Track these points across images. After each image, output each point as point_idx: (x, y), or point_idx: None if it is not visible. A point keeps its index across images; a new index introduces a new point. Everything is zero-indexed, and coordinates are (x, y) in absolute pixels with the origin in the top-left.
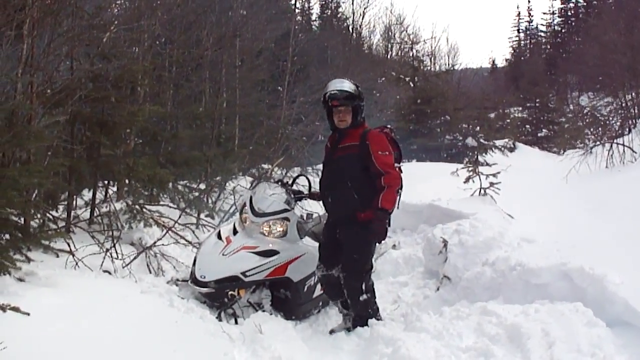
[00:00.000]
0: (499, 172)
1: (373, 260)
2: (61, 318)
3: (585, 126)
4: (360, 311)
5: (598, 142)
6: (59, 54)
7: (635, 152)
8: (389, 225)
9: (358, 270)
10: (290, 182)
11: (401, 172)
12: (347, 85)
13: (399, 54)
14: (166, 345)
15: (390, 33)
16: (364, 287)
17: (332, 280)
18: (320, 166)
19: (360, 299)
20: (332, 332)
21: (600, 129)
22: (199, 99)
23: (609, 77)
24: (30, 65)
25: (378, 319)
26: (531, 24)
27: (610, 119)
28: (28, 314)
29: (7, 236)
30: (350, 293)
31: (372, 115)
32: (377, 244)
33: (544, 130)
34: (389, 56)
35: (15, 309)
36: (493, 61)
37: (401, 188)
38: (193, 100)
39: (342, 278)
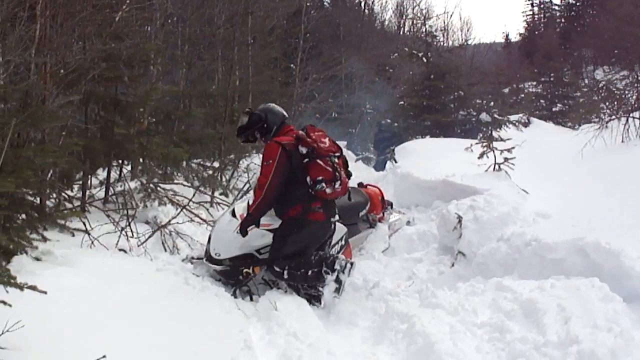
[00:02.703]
0: (513, 148)
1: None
2: (78, 296)
3: (600, 100)
4: (301, 283)
5: (613, 116)
6: (72, 34)
7: None
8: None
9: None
10: None
11: (336, 170)
12: (238, 128)
13: (412, 29)
14: (182, 323)
15: (402, 9)
16: (284, 272)
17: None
18: None
19: (286, 276)
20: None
21: (615, 103)
22: (212, 77)
23: (625, 50)
24: (43, 45)
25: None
26: None
27: (626, 92)
28: (45, 293)
29: (24, 216)
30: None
31: (385, 92)
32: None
33: (558, 104)
34: (401, 32)
35: (33, 288)
36: (507, 36)
37: (342, 192)
38: (206, 79)
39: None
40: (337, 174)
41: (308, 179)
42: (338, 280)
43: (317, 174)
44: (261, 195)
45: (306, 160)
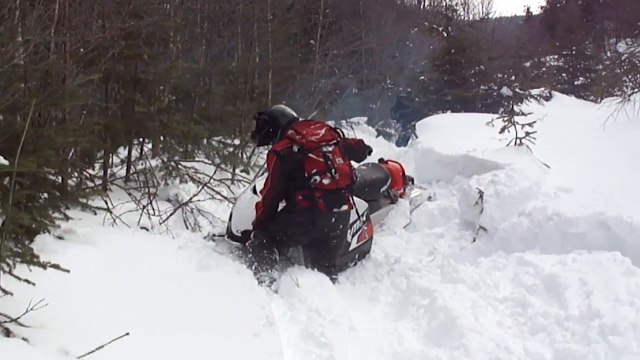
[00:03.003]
0: (534, 122)
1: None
2: (100, 274)
3: (622, 73)
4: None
5: (636, 89)
6: (91, 12)
7: None
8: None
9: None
10: None
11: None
12: (251, 134)
13: (432, 3)
14: (204, 300)
15: None
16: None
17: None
18: (354, 119)
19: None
20: None
21: (638, 75)
22: (232, 54)
23: None
24: (62, 25)
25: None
26: None
27: None
28: (68, 271)
29: (46, 195)
30: None
31: (406, 66)
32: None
33: (580, 78)
34: (421, 6)
35: (56, 266)
36: (528, 9)
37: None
38: (226, 56)
39: None
40: (329, 162)
41: (305, 174)
42: (261, 280)
43: (311, 167)
44: (262, 208)
45: (300, 156)
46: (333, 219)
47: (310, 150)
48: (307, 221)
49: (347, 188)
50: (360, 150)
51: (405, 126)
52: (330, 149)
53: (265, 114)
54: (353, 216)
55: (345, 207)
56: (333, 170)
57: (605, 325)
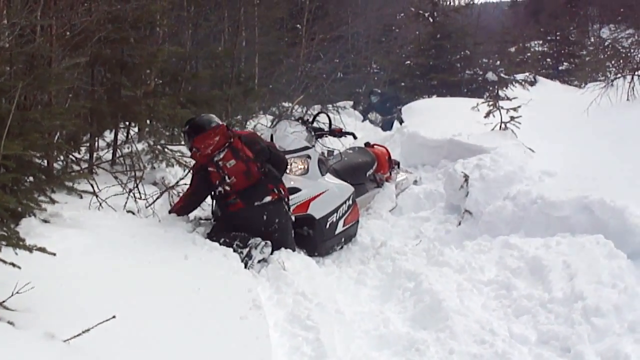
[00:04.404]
0: (519, 106)
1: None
2: (87, 258)
3: (606, 59)
4: None
5: (619, 75)
6: None
7: None
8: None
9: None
10: (310, 119)
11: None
12: None
13: None
14: (190, 283)
15: None
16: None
17: None
18: (340, 103)
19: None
20: None
21: (621, 61)
22: (218, 38)
23: (630, 8)
24: (49, 8)
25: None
26: None
27: (632, 51)
28: (54, 254)
29: (31, 178)
30: None
31: (392, 51)
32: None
33: (564, 63)
34: None
35: (42, 250)
36: None
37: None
38: (212, 40)
39: None
40: (220, 171)
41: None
42: (249, 255)
43: (214, 179)
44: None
45: (204, 172)
46: (263, 213)
47: (206, 164)
48: (236, 225)
49: (265, 179)
50: (277, 159)
51: (391, 110)
52: (221, 156)
53: (189, 125)
54: (331, 205)
55: (268, 198)
56: (226, 177)
57: (588, 307)
